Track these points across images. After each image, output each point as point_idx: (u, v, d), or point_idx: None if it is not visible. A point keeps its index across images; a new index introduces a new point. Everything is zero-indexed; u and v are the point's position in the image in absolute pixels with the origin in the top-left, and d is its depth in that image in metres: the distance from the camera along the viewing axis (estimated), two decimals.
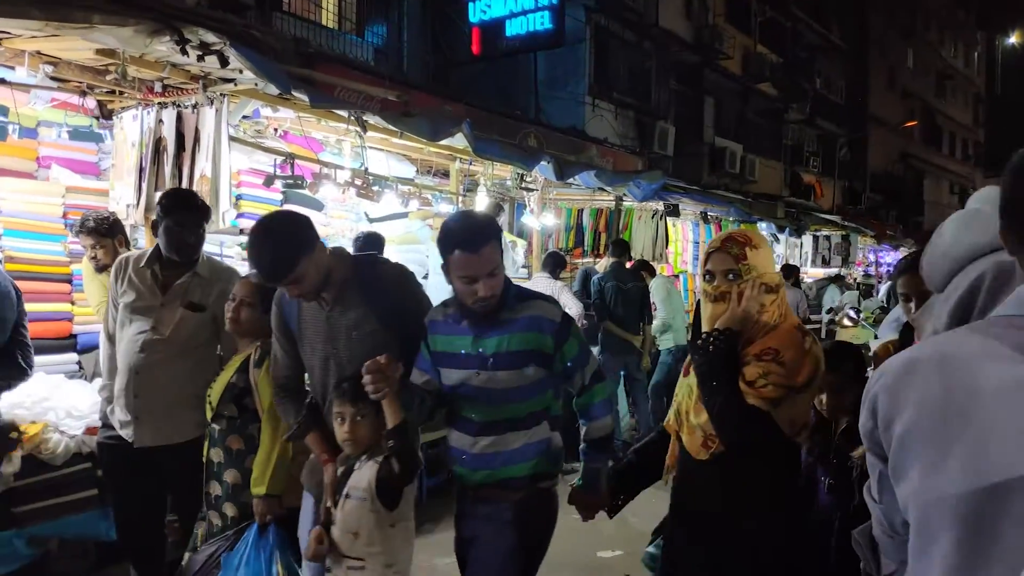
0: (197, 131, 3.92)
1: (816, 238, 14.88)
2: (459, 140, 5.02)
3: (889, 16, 25.12)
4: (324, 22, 10.59)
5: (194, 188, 3.83)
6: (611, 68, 13.62)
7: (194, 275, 2.85)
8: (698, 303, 8.03)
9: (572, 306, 5.79)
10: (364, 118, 4.39)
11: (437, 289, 3.53)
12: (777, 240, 12.61)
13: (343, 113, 4.41)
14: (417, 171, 6.31)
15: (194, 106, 3.88)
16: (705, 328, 1.94)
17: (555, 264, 6.06)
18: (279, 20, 8.86)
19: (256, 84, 3.72)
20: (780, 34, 19.38)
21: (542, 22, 11.16)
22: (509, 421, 2.15)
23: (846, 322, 7.61)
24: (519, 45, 11.09)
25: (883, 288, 12.95)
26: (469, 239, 2.05)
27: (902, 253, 19.09)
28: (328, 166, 4.99)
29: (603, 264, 6.71)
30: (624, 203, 8.17)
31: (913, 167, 27.93)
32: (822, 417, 2.32)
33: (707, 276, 1.97)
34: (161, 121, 4.09)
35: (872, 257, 17.44)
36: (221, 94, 3.78)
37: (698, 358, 1.89)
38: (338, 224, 5.77)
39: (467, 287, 2.07)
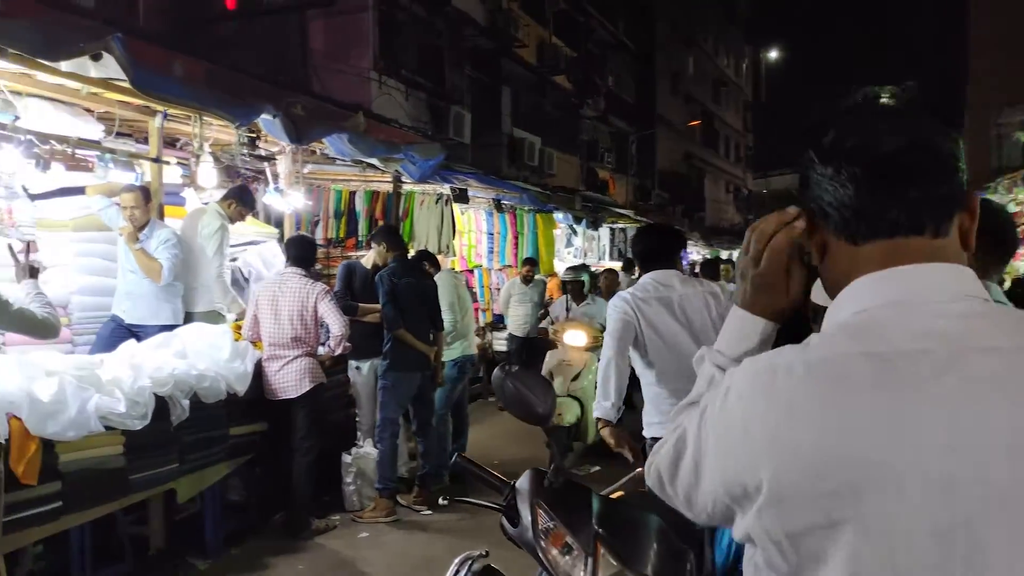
0: None
1: (612, 231, 14.93)
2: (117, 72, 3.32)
3: (672, 25, 26.32)
4: None
5: None
6: (399, 43, 12.38)
7: None
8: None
9: (335, 323, 4.36)
10: None
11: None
12: (575, 232, 12.20)
13: None
14: (106, 131, 4.59)
15: None
16: None
17: (302, 253, 4.46)
18: None
19: None
20: (574, 28, 19.37)
21: None
22: None
23: None
24: (284, 2, 9.51)
25: None
26: None
27: (690, 246, 20.02)
28: None
29: (370, 257, 5.33)
30: (404, 186, 6.92)
31: (695, 166, 29.72)
32: None
33: None
34: None
35: None
36: None
37: None
38: None
39: None
